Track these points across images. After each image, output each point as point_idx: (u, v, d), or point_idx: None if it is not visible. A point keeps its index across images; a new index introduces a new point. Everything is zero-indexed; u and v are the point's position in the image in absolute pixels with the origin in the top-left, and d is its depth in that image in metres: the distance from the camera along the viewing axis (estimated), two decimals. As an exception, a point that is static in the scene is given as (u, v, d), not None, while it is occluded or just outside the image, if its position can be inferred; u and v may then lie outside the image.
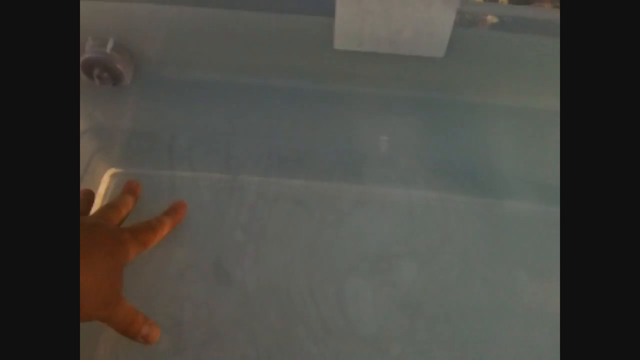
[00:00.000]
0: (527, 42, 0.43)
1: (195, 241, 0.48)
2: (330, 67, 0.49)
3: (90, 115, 0.57)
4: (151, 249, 0.44)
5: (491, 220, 0.49)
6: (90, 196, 0.49)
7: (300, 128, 0.54)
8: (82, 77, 0.52)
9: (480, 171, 0.51)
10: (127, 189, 0.50)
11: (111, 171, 0.55)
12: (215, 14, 0.48)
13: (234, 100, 0.55)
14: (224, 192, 0.52)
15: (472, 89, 0.48)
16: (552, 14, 0.42)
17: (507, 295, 0.45)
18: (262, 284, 0.45)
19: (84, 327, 0.35)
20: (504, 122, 0.50)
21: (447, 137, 0.52)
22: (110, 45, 0.49)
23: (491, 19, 0.43)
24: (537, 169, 0.51)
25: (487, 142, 0.51)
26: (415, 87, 0.49)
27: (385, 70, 0.47)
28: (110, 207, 0.45)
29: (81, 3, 0.45)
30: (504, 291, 0.45)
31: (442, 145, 0.52)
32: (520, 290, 0.45)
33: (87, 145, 0.56)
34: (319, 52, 0.47)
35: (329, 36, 0.46)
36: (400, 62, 0.46)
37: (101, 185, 0.55)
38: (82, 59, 0.50)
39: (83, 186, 0.53)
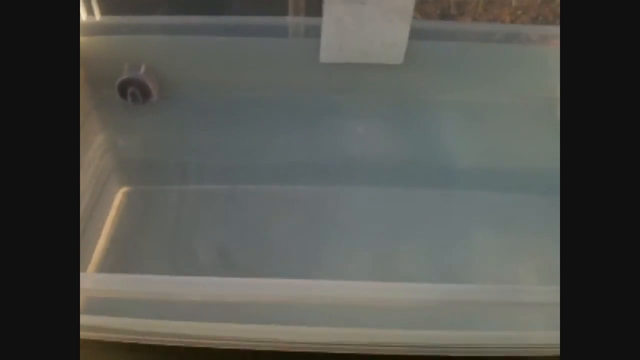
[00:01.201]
0: (464, 48, 0.58)
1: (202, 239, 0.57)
2: (316, 79, 0.63)
3: (112, 136, 0.68)
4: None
5: (451, 209, 0.61)
6: None
7: (292, 136, 0.67)
8: (116, 96, 0.64)
9: (441, 163, 0.65)
10: None
11: (124, 189, 0.66)
12: (223, 42, 0.62)
13: (237, 115, 0.68)
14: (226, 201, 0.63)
15: (427, 89, 0.63)
16: (478, 27, 0.58)
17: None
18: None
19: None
20: (456, 117, 0.64)
21: (410, 134, 0.66)
22: (142, 69, 0.63)
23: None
24: (495, 158, 0.64)
25: (442, 136, 0.65)
26: (381, 92, 0.63)
27: (355, 78, 0.62)
28: None
29: (119, 37, 0.59)
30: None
31: (406, 142, 0.66)
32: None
33: (105, 164, 0.67)
34: (307, 67, 0.61)
35: (315, 53, 0.60)
36: (369, 70, 0.61)
37: (114, 202, 0.65)
38: (119, 80, 0.63)
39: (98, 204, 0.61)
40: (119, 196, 0.67)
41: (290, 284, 0.33)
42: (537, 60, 0.59)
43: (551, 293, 0.33)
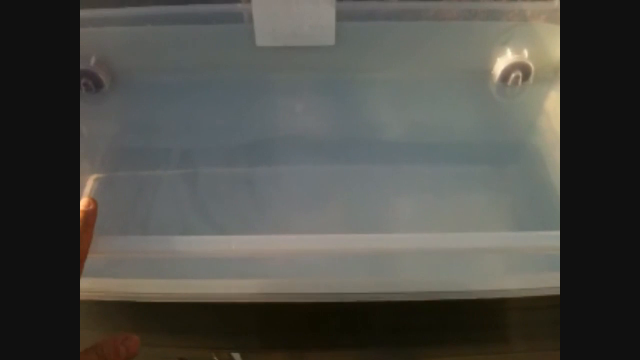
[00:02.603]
0: (389, 28, 0.61)
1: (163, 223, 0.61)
2: (254, 61, 0.65)
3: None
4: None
5: (393, 184, 0.63)
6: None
7: (236, 115, 0.70)
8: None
9: (377, 139, 0.67)
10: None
11: (94, 176, 0.69)
12: (168, 30, 0.65)
13: (187, 98, 0.71)
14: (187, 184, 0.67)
15: (359, 67, 0.65)
16: (403, 5, 0.60)
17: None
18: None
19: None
20: (385, 93, 0.67)
21: (344, 111, 0.68)
22: (93, 60, 0.66)
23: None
24: (423, 132, 0.67)
25: (375, 112, 0.67)
26: (316, 72, 0.66)
27: (292, 60, 0.64)
28: None
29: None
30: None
31: (342, 119, 0.68)
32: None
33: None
34: (245, 50, 0.64)
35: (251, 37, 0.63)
36: (303, 52, 0.63)
37: (85, 189, 0.67)
38: (71, 72, 0.66)
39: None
40: (89, 182, 0.71)
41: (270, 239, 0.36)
42: (460, 35, 0.61)
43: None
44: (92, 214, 0.35)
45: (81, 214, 0.35)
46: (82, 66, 0.66)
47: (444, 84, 0.65)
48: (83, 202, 0.36)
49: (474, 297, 0.45)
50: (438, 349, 0.45)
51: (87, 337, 0.45)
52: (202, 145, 0.69)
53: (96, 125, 0.72)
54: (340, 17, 0.60)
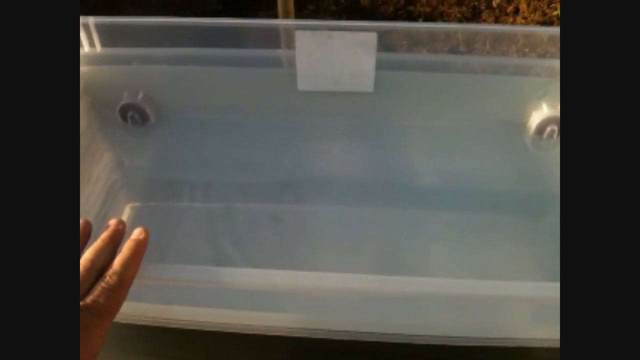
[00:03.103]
0: (425, 78, 0.63)
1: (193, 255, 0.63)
2: (293, 104, 0.68)
3: (117, 155, 0.75)
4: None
5: (424, 229, 0.64)
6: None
7: (272, 154, 0.72)
8: (118, 119, 0.72)
9: (410, 184, 0.68)
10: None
11: (130, 204, 0.72)
12: (212, 71, 0.68)
13: (226, 135, 0.73)
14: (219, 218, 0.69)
15: (395, 114, 0.67)
16: (443, 58, 0.63)
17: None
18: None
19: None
20: (421, 140, 0.68)
21: (379, 156, 0.70)
22: (140, 95, 0.70)
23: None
24: (456, 179, 0.68)
25: (408, 158, 0.69)
26: (354, 117, 0.68)
27: (331, 104, 0.67)
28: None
29: (120, 67, 0.67)
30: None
31: (375, 163, 0.70)
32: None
33: (112, 180, 0.74)
34: (286, 93, 0.67)
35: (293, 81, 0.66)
36: (342, 97, 0.66)
37: (123, 216, 0.69)
38: (119, 105, 0.70)
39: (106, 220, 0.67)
40: (126, 211, 0.73)
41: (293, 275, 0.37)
42: (492, 88, 0.63)
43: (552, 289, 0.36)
44: (143, 243, 0.37)
45: (132, 243, 0.37)
46: (130, 100, 0.70)
47: (479, 134, 0.67)
48: (136, 232, 0.38)
49: (498, 344, 0.45)
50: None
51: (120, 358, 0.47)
52: (236, 180, 0.71)
53: (138, 156, 0.75)
54: (379, 65, 0.63)
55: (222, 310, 0.45)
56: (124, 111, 0.71)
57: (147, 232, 0.38)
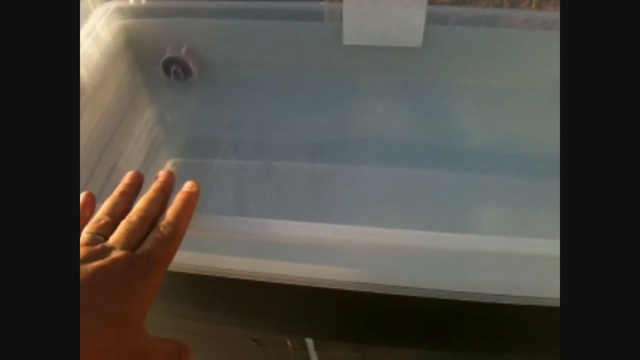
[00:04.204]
0: (478, 33, 0.60)
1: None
2: (338, 59, 0.66)
3: (160, 110, 0.75)
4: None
5: (469, 192, 0.63)
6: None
7: (318, 114, 0.71)
8: (161, 73, 0.71)
9: (457, 146, 0.66)
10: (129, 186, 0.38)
11: (172, 160, 0.72)
12: (256, 25, 0.67)
13: (269, 93, 0.72)
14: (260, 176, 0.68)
15: (445, 72, 0.65)
16: (495, 12, 0.60)
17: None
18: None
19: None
20: (469, 100, 0.66)
21: (424, 115, 0.68)
22: (184, 49, 0.69)
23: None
24: (503, 142, 0.66)
25: (458, 119, 0.67)
26: (400, 74, 0.66)
27: (377, 60, 0.65)
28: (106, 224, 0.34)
29: (164, 20, 0.66)
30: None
31: (420, 123, 0.68)
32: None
33: (154, 136, 0.74)
34: (331, 48, 0.65)
35: (340, 35, 0.64)
36: (389, 53, 0.64)
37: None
38: (163, 59, 0.69)
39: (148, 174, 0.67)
40: (167, 166, 0.74)
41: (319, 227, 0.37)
42: (549, 45, 0.59)
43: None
44: (195, 195, 0.37)
45: (184, 194, 0.37)
46: (173, 54, 0.69)
47: (531, 95, 0.64)
48: (187, 185, 0.38)
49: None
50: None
51: (166, 307, 0.47)
52: (278, 139, 0.70)
53: (180, 112, 0.75)
54: (428, 19, 0.60)
55: (269, 262, 0.45)
56: (167, 65, 0.70)
57: (198, 185, 0.38)
